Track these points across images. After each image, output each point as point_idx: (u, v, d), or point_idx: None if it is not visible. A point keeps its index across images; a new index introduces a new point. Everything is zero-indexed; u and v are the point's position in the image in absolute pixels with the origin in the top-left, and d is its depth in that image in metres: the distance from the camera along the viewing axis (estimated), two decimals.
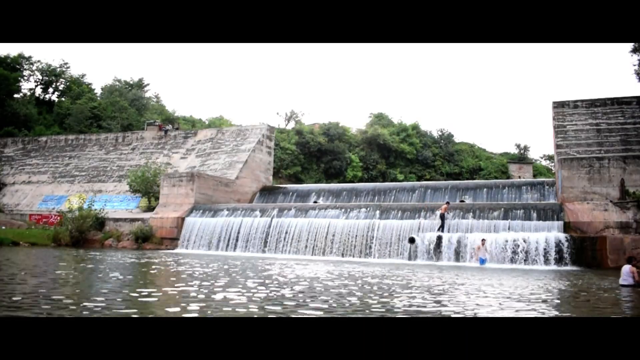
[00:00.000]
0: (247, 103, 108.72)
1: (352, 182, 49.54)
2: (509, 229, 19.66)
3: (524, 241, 18.69)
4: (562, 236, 18.64)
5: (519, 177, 52.15)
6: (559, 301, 8.40)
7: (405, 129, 58.56)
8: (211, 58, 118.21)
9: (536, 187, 26.34)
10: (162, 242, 26.38)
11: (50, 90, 56.74)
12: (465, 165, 57.75)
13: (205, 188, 28.88)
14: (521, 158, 61.05)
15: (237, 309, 6.19)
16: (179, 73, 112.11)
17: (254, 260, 17.72)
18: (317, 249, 22.10)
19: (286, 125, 61.23)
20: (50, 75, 55.52)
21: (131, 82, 61.43)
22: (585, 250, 18.52)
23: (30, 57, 54.47)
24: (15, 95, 51.66)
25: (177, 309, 6.08)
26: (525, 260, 18.37)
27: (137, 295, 7.36)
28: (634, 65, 30.31)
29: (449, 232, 20.36)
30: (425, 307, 6.78)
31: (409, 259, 20.19)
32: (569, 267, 17.76)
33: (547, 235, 18.76)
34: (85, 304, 6.32)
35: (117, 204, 33.12)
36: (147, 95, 61.90)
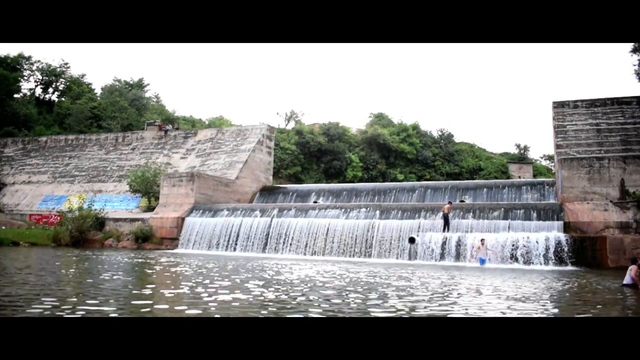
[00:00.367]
0: (247, 103, 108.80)
1: (352, 182, 49.54)
2: (509, 229, 19.66)
3: (524, 241, 18.70)
4: (562, 236, 18.64)
5: (519, 177, 52.15)
6: (559, 301, 8.40)
7: (405, 129, 58.56)
8: (211, 58, 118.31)
9: (536, 187, 26.34)
10: (162, 242, 26.39)
11: (50, 90, 56.77)
12: (465, 165, 57.75)
13: (205, 188, 28.88)
14: (521, 158, 61.06)
15: (237, 309, 6.19)
16: (179, 73, 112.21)
17: (254, 260, 17.72)
18: (317, 249, 22.11)
19: (286, 125, 61.28)
20: (50, 75, 55.53)
21: (131, 82, 61.44)
22: (585, 250, 18.52)
23: (30, 57, 54.54)
24: (15, 95, 51.66)
25: (177, 309, 6.08)
26: (525, 261, 18.38)
27: (136, 295, 7.36)
28: (634, 65, 30.34)
29: (448, 232, 20.37)
30: (426, 307, 6.78)
31: (409, 259, 20.19)
32: (568, 267, 17.76)
33: (547, 235, 18.76)
34: (84, 304, 6.32)
35: (117, 204, 33.12)
36: (147, 95, 61.94)
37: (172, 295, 7.52)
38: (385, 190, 29.87)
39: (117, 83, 60.38)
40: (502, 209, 20.90)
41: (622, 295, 9.35)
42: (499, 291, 9.15)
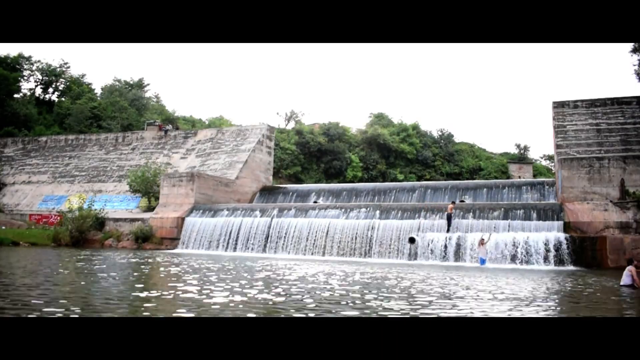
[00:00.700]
0: (247, 103, 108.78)
1: (352, 182, 49.53)
2: (509, 229, 19.66)
3: (524, 241, 18.70)
4: (562, 236, 18.64)
5: (519, 177, 52.14)
6: (559, 301, 8.40)
7: (405, 129, 58.55)
8: (211, 58, 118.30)
9: (536, 187, 26.34)
10: (162, 242, 26.39)
11: (50, 90, 56.75)
12: (465, 165, 57.74)
13: (205, 188, 28.88)
14: (521, 158, 61.05)
15: (236, 309, 6.19)
16: (179, 73, 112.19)
17: (254, 260, 17.71)
18: (317, 249, 22.11)
19: (286, 125, 61.27)
20: (50, 75, 55.52)
21: (131, 82, 61.42)
22: (585, 250, 18.52)
23: (30, 57, 54.51)
24: (15, 95, 51.65)
25: (176, 309, 6.08)
26: (525, 261, 18.38)
27: (136, 295, 7.36)
28: (634, 65, 30.34)
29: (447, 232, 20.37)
30: (428, 308, 6.78)
31: (409, 259, 20.19)
32: (568, 267, 17.76)
33: (547, 235, 18.77)
34: (84, 304, 6.32)
35: (117, 204, 33.12)
36: (147, 95, 61.92)
37: (172, 295, 7.52)
38: (385, 190, 29.87)
39: (117, 83, 60.37)
40: (502, 209, 20.90)
41: (620, 295, 9.35)
42: (499, 291, 9.15)
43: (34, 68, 54.63)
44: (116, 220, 29.20)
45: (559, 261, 18.16)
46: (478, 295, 8.36)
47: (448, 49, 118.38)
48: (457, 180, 40.38)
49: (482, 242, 18.74)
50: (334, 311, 6.23)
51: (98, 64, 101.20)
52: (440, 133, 60.61)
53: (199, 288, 8.24)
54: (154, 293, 7.72)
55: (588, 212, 19.70)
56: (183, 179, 28.49)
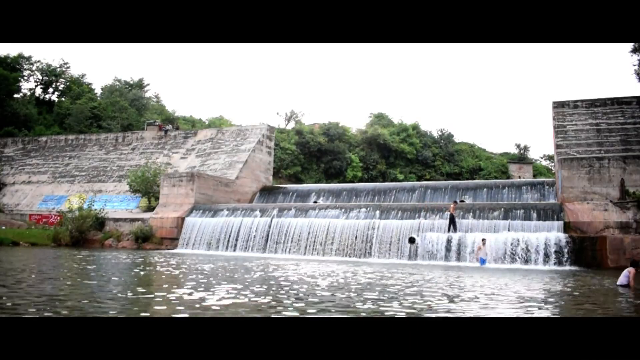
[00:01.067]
0: (247, 103, 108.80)
1: (352, 182, 49.53)
2: (509, 229, 19.66)
3: (524, 241, 18.70)
4: (562, 236, 18.64)
5: (519, 177, 52.14)
6: (559, 301, 8.40)
7: (405, 129, 58.55)
8: (211, 58, 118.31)
9: (536, 187, 26.33)
10: (162, 242, 26.39)
11: (50, 90, 56.74)
12: (465, 165, 57.75)
13: (205, 188, 28.88)
14: (521, 158, 61.05)
15: (236, 309, 6.19)
16: (179, 73, 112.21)
17: (254, 260, 17.71)
18: (317, 249, 22.11)
19: (286, 125, 61.27)
20: (50, 75, 55.51)
21: (131, 82, 61.43)
22: (585, 250, 18.52)
23: (30, 57, 54.49)
24: (15, 95, 51.64)
25: (175, 309, 6.08)
26: (525, 261, 18.39)
27: (136, 295, 7.36)
28: (634, 65, 30.34)
29: (455, 232, 20.31)
30: (430, 309, 6.78)
31: (409, 259, 20.19)
32: (568, 267, 17.76)
33: (547, 235, 18.76)
34: (84, 304, 6.32)
35: (117, 204, 33.12)
36: (147, 95, 61.93)
37: (171, 295, 7.52)
38: (385, 190, 29.87)
39: (117, 83, 60.38)
40: (502, 209, 20.90)
41: (617, 295, 9.35)
42: (497, 292, 9.15)
43: (34, 68, 54.66)
44: (116, 220, 29.20)
45: (559, 261, 18.16)
46: (476, 297, 8.36)
47: (448, 49, 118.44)
48: (457, 180, 40.39)
49: (483, 243, 18.74)
50: (330, 310, 6.23)
51: (98, 64, 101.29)
52: (440, 133, 60.63)
53: (198, 288, 8.24)
54: (153, 293, 7.72)
55: (588, 212, 19.70)
56: (183, 179, 28.49)
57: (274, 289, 8.57)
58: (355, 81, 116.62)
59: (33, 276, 10.01)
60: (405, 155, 56.34)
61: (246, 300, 7.01)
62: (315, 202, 28.70)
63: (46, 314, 5.44)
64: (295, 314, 5.97)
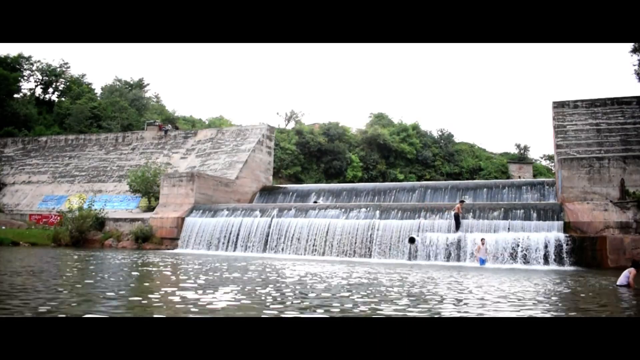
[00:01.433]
0: (247, 103, 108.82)
1: (352, 182, 49.53)
2: (509, 229, 19.66)
3: (524, 241, 18.70)
4: (562, 236, 18.64)
5: (519, 177, 52.14)
6: (559, 301, 8.40)
7: (405, 129, 58.56)
8: (211, 58, 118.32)
9: (536, 187, 26.34)
10: (162, 242, 26.39)
11: (50, 90, 56.75)
12: (465, 165, 57.75)
13: (205, 188, 28.88)
14: (521, 158, 61.05)
15: (235, 310, 6.19)
16: (179, 73, 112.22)
17: (254, 260, 17.71)
18: (317, 249, 22.11)
19: (286, 125, 61.27)
20: (50, 75, 55.51)
21: (131, 82, 61.44)
22: (585, 250, 18.52)
23: (30, 57, 54.52)
24: (15, 95, 51.65)
25: (175, 309, 6.08)
26: (525, 261, 18.39)
27: (135, 295, 7.36)
28: (634, 65, 30.36)
29: (449, 232, 20.36)
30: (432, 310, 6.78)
31: (409, 259, 20.20)
32: (568, 267, 17.76)
33: (547, 235, 18.77)
34: (83, 304, 6.32)
35: (117, 204, 33.12)
36: (147, 95, 61.93)
37: (171, 295, 7.52)
38: (385, 190, 29.87)
39: (117, 83, 60.38)
40: (502, 209, 20.90)
41: (617, 295, 9.35)
42: (498, 291, 9.15)
43: (34, 68, 54.67)
44: (116, 220, 29.20)
45: (559, 261, 18.16)
46: (472, 296, 8.36)
47: (448, 49, 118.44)
48: (457, 180, 40.40)
49: (482, 242, 18.74)
50: (330, 310, 6.23)
51: (98, 64, 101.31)
52: (440, 133, 60.63)
53: (197, 288, 8.24)
54: (152, 293, 7.72)
55: (588, 212, 19.70)
56: (183, 179, 28.50)
57: (273, 289, 8.57)
58: (355, 81, 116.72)
59: (33, 276, 10.01)
60: (405, 155, 56.35)
61: (245, 300, 7.01)
62: (315, 202, 28.70)
63: (45, 314, 5.44)
64: (295, 313, 5.97)
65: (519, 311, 6.62)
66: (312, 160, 53.94)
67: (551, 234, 18.83)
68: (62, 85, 56.61)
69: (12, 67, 52.00)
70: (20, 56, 53.75)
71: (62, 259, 16.04)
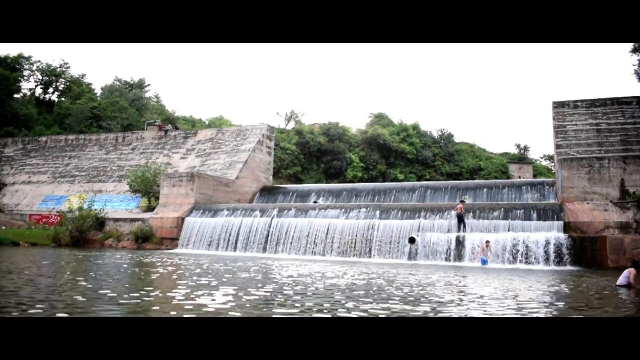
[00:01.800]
0: (247, 103, 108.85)
1: (352, 182, 49.53)
2: (509, 229, 19.66)
3: (524, 241, 18.70)
4: (562, 236, 18.64)
5: (519, 177, 52.15)
6: (558, 301, 8.40)
7: (405, 129, 58.57)
8: (211, 58, 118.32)
9: (536, 187, 26.34)
10: (162, 242, 26.39)
11: (50, 90, 56.77)
12: (465, 165, 57.75)
13: (205, 188, 28.88)
14: (521, 158, 61.06)
15: (235, 310, 6.19)
16: (179, 73, 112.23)
17: (254, 260, 17.71)
18: (317, 249, 22.11)
19: (286, 125, 61.28)
20: (50, 75, 55.52)
21: (131, 82, 61.44)
22: (585, 250, 18.52)
23: (30, 57, 54.52)
24: (15, 95, 51.65)
25: (174, 309, 6.08)
26: (525, 261, 18.39)
27: (135, 295, 7.36)
28: (634, 65, 30.37)
29: (464, 231, 20.28)
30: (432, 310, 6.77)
31: (409, 259, 20.19)
32: (568, 267, 17.76)
33: (547, 235, 18.77)
34: (83, 304, 6.32)
35: (117, 204, 33.12)
36: (147, 95, 61.94)
37: (170, 295, 7.52)
38: (385, 190, 29.87)
39: (117, 83, 60.38)
40: (502, 209, 20.90)
41: (616, 295, 9.35)
42: (498, 291, 9.15)
43: (34, 68, 54.68)
44: (116, 220, 29.20)
45: (559, 261, 18.16)
46: (482, 297, 8.36)
47: (448, 49, 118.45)
48: (457, 180, 40.40)
49: (486, 244, 18.73)
50: (329, 310, 6.23)
51: (98, 64, 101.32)
52: (440, 133, 60.65)
53: (197, 288, 8.24)
54: (152, 293, 7.72)
55: (588, 212, 19.70)
56: (183, 179, 28.50)
57: (273, 289, 8.57)
58: (355, 81, 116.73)
59: (32, 276, 10.01)
60: (405, 155, 56.36)
61: (245, 300, 7.01)
62: (315, 202, 28.71)
63: (44, 314, 5.44)
64: (294, 312, 5.97)
65: (519, 311, 6.62)
66: (312, 160, 53.95)
67: (551, 234, 18.83)
68: (62, 85, 56.63)
69: (12, 67, 52.00)
70: (20, 56, 53.76)
71: (62, 259, 16.03)
